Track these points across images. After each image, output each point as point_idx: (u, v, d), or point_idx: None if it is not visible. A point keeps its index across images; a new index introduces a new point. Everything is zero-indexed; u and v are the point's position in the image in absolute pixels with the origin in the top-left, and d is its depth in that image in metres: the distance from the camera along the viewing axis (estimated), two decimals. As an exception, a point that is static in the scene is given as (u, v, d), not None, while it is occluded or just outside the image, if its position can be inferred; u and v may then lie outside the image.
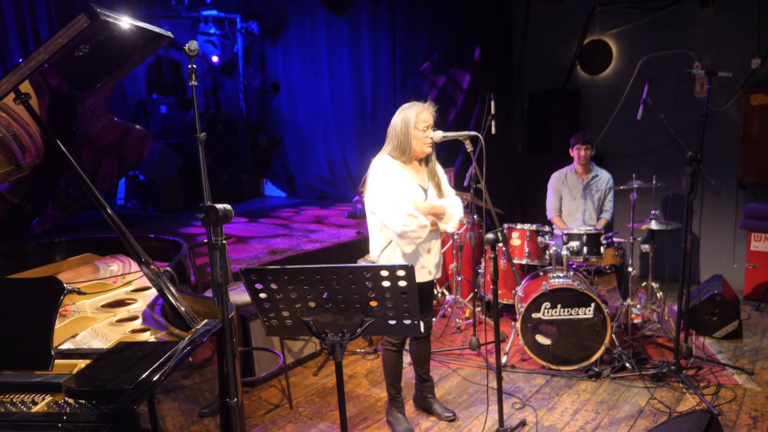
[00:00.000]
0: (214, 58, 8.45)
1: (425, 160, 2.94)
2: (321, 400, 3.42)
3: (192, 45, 1.69)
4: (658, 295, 4.18)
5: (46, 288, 1.76)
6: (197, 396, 1.90)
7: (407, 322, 1.90)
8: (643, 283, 4.27)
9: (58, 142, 2.05)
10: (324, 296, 1.85)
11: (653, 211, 4.01)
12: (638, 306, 4.18)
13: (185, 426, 1.79)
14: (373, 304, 1.86)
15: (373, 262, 2.95)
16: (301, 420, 3.21)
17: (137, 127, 3.40)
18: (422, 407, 3.25)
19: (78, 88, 3.00)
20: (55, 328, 1.82)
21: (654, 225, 3.97)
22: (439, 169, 3.00)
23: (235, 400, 1.83)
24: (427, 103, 2.86)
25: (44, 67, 2.11)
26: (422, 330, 1.95)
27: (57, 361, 1.75)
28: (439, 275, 3.00)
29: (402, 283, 1.80)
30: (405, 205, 2.73)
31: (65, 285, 1.81)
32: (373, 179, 2.83)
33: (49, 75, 2.68)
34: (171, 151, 7.73)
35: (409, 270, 1.78)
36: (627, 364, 3.60)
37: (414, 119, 2.80)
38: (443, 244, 4.95)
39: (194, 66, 1.72)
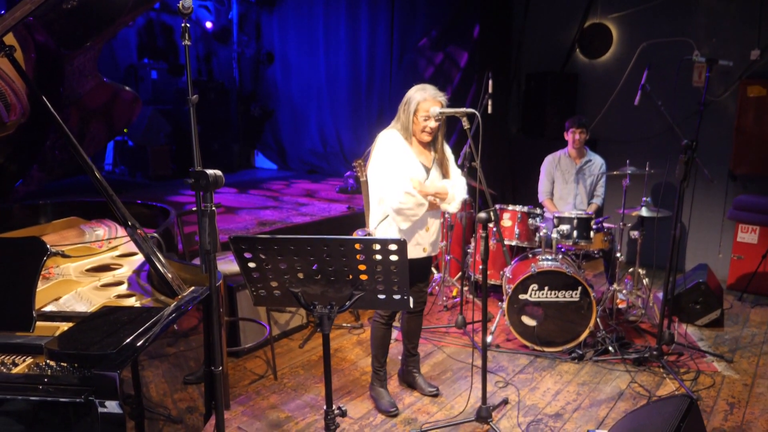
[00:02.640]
0: (208, 24, 8.26)
1: (431, 143, 2.89)
2: (306, 372, 3.43)
3: (186, 2, 1.63)
4: (644, 281, 4.21)
5: (28, 248, 1.72)
6: (182, 364, 1.89)
7: (396, 297, 1.89)
8: (630, 269, 4.30)
9: (45, 99, 1.98)
10: (314, 268, 1.83)
11: (644, 198, 4.02)
12: (624, 291, 4.21)
13: (169, 393, 1.78)
14: (363, 278, 1.84)
15: (369, 234, 2.94)
16: (286, 391, 3.21)
17: (127, 89, 3.32)
18: (407, 382, 3.27)
19: (66, 47, 2.92)
20: (38, 290, 1.79)
21: (644, 212, 3.98)
22: (447, 150, 2.97)
23: (220, 368, 1.82)
24: (438, 92, 2.78)
25: (29, 20, 2.03)
26: (411, 305, 1.95)
27: (39, 323, 1.72)
28: (435, 253, 2.99)
29: (393, 258, 1.78)
30: (403, 182, 2.71)
31: (49, 247, 1.77)
32: (377, 153, 2.82)
33: (35, 30, 2.60)
34: (161, 118, 7.60)
35: (402, 245, 1.76)
36: (610, 348, 3.64)
37: (415, 105, 2.76)
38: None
39: (188, 25, 1.67)
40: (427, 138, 2.81)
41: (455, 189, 2.86)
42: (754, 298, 4.79)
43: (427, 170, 2.86)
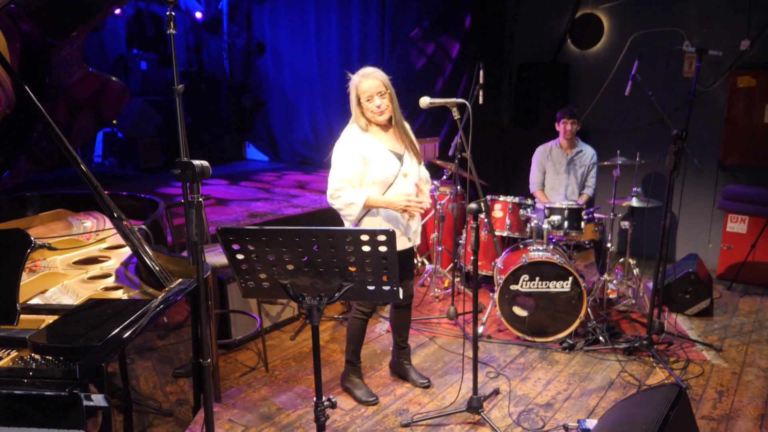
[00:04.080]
0: (198, 14, 8.18)
1: (394, 125, 2.81)
2: (297, 364, 3.43)
3: (170, -10, 1.60)
4: (634, 271, 4.23)
5: (12, 241, 1.69)
6: (172, 356, 1.88)
7: (386, 288, 1.88)
8: (621, 260, 4.32)
9: (27, 88, 1.95)
10: (304, 259, 1.81)
11: (635, 189, 4.03)
12: (614, 281, 4.23)
13: (159, 386, 1.77)
14: (353, 269, 1.83)
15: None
16: (277, 383, 3.21)
17: (114, 79, 3.28)
18: (398, 374, 3.27)
19: (52, 36, 2.88)
20: (24, 283, 1.77)
21: (635, 202, 3.99)
22: (412, 135, 2.90)
23: (209, 360, 1.81)
24: (370, 69, 2.73)
25: (13, 9, 1.99)
26: (401, 297, 1.93)
27: (24, 317, 1.71)
28: (418, 242, 2.98)
29: (382, 249, 1.77)
30: (345, 189, 2.70)
31: (33, 239, 1.75)
32: (335, 149, 2.78)
33: (20, 19, 2.56)
34: (151, 109, 7.54)
35: (390, 235, 1.75)
36: (600, 338, 3.66)
37: (355, 93, 2.73)
38: (425, 214, 4.94)
39: (173, 13, 1.64)
40: (381, 119, 2.74)
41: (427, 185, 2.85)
42: (743, 287, 4.82)
43: (400, 157, 2.80)
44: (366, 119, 2.76)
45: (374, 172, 2.74)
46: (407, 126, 2.91)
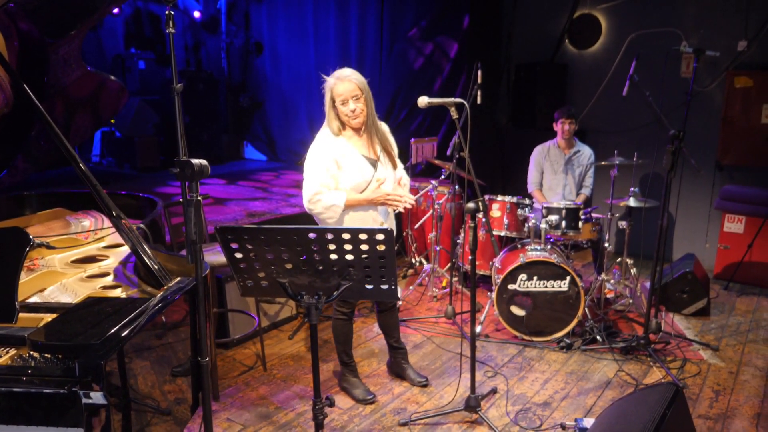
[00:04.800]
0: (196, 14, 8.18)
1: (369, 130, 2.77)
2: (295, 363, 3.43)
3: (169, -12, 1.60)
4: (631, 271, 4.24)
5: (10, 239, 1.70)
6: (170, 356, 1.88)
7: (384, 287, 1.89)
8: (618, 259, 4.33)
9: (27, 88, 1.95)
10: (303, 258, 1.82)
11: (632, 189, 4.04)
12: (612, 281, 4.24)
13: (157, 384, 1.77)
14: (351, 268, 1.84)
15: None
16: (275, 382, 3.21)
17: (112, 78, 3.28)
18: (396, 373, 3.28)
19: (50, 35, 2.88)
20: (22, 281, 1.77)
21: (632, 202, 4.00)
22: (390, 137, 2.89)
23: (207, 359, 1.81)
24: (347, 72, 2.70)
25: (12, 8, 1.99)
26: (399, 295, 1.94)
27: (22, 315, 1.71)
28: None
29: (380, 248, 1.78)
30: (324, 192, 2.67)
31: (32, 238, 1.75)
32: (308, 154, 2.76)
33: (19, 18, 2.56)
34: (149, 109, 7.53)
35: (389, 234, 1.76)
36: (598, 337, 3.67)
37: (330, 96, 2.70)
38: (422, 214, 4.95)
39: (171, 12, 1.64)
40: (357, 123, 2.72)
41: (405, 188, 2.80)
42: (740, 287, 4.84)
43: (374, 163, 2.78)
44: (340, 122, 2.75)
45: (346, 178, 2.73)
46: (385, 128, 2.88)
